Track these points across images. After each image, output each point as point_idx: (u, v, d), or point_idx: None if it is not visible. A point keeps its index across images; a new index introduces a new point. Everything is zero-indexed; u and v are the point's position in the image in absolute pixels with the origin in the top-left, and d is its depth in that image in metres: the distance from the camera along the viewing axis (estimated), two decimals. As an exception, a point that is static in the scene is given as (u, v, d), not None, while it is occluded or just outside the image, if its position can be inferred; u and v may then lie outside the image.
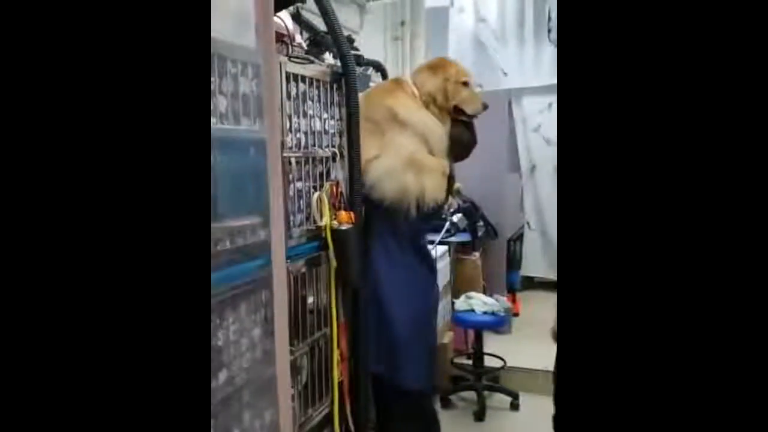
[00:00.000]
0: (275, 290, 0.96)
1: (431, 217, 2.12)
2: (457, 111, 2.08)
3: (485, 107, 2.12)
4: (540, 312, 2.65)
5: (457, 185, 2.38)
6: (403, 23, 3.59)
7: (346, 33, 1.82)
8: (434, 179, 1.96)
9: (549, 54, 4.60)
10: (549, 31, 4.57)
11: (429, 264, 2.12)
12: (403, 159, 1.90)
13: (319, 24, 1.85)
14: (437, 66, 2.09)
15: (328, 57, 2.07)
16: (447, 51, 4.17)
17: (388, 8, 3.50)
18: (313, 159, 1.65)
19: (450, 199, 2.18)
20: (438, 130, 2.01)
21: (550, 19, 4.57)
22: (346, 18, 3.04)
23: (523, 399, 3.06)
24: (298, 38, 1.92)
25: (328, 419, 1.76)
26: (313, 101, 1.64)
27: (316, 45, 2.06)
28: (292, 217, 1.53)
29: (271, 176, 0.97)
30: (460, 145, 2.11)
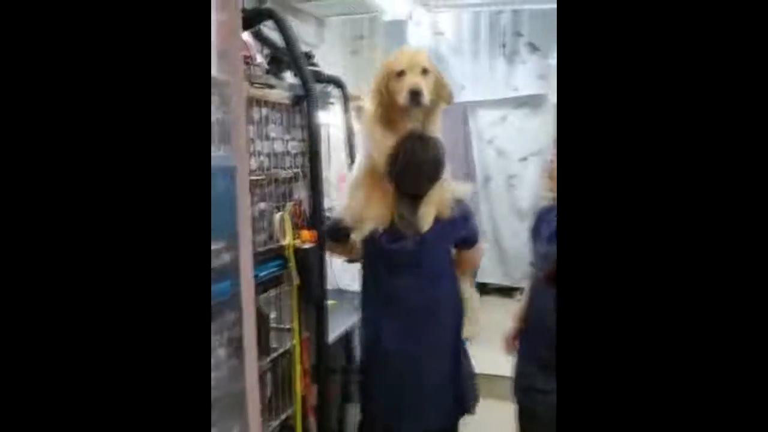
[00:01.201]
0: (244, 309, 1.01)
1: (393, 251, 1.83)
2: (397, 105, 1.79)
3: (412, 94, 1.72)
4: (493, 317, 2.71)
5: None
6: (362, 37, 3.66)
7: (305, 48, 1.86)
8: (362, 201, 1.84)
9: (503, 68, 4.76)
10: (503, 45, 4.73)
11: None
12: (348, 184, 1.95)
13: (278, 38, 1.85)
14: (383, 65, 1.88)
15: (288, 74, 2.12)
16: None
17: (346, 22, 3.56)
18: (276, 180, 1.70)
19: (420, 226, 1.82)
20: (373, 137, 1.83)
21: (504, 34, 4.73)
22: (305, 32, 3.09)
23: (478, 404, 3.14)
24: (259, 58, 1.96)
25: (290, 432, 1.81)
26: (275, 124, 1.69)
27: (276, 62, 2.09)
28: (256, 237, 1.58)
29: (241, 201, 1.02)
30: (412, 169, 1.77)
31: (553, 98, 3.94)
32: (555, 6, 3.16)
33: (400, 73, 1.77)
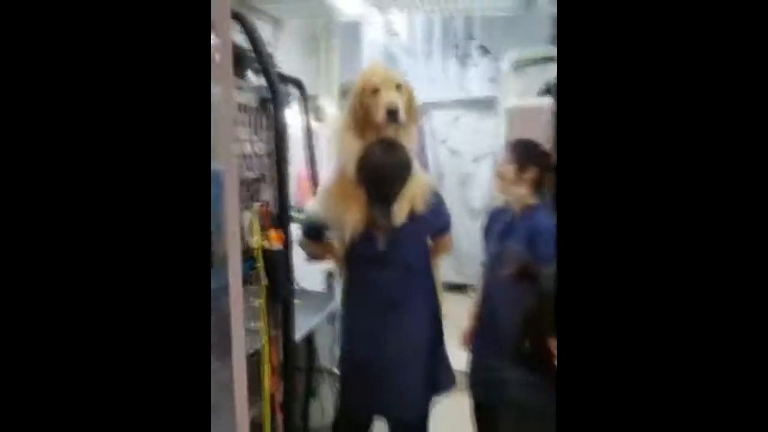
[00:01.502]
0: (233, 305, 1.05)
1: (370, 247, 1.91)
2: (372, 122, 1.86)
3: (389, 113, 1.78)
4: (449, 313, 2.80)
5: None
6: (318, 38, 3.68)
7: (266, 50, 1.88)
8: (339, 207, 1.90)
9: (455, 70, 4.88)
10: (456, 47, 4.85)
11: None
12: (321, 187, 2.03)
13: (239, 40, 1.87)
14: (357, 81, 1.92)
15: (249, 74, 2.13)
16: (360, 65, 4.31)
17: (303, 23, 3.58)
18: (243, 181, 1.71)
19: (394, 221, 1.88)
20: (343, 146, 1.88)
21: (456, 36, 4.85)
22: (262, 33, 3.09)
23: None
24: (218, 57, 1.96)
25: (259, 430, 1.83)
26: (244, 126, 1.71)
27: (238, 62, 2.10)
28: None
29: (229, 203, 1.05)
30: (376, 174, 1.83)
31: (504, 101, 4.07)
32: (506, 13, 3.28)
33: (375, 90, 1.82)
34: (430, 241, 2.02)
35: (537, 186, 2.11)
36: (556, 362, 1.17)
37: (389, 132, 1.85)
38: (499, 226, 2.17)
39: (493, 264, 2.14)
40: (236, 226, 1.05)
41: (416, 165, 1.91)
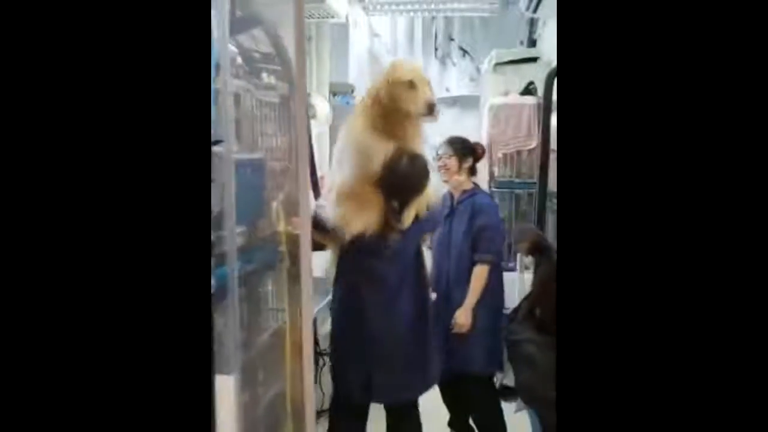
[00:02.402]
0: (302, 262, 1.20)
1: (376, 245, 2.05)
2: (409, 114, 1.98)
3: (430, 106, 1.93)
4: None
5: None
6: (309, 38, 3.83)
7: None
8: (351, 212, 2.01)
9: (435, 69, 5.10)
10: (436, 49, 5.06)
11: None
12: (332, 192, 2.10)
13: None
14: (382, 72, 2.05)
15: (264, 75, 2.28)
16: (347, 65, 4.48)
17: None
18: (271, 171, 1.87)
19: (401, 226, 2.07)
20: (368, 145, 1.98)
21: (436, 37, 5.06)
22: (260, 36, 3.23)
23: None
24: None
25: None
26: (270, 121, 1.87)
27: (251, 64, 2.25)
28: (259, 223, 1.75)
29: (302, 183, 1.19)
30: (401, 181, 2.00)
31: (484, 99, 4.29)
32: (486, 14, 3.58)
33: (411, 85, 1.94)
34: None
35: (471, 172, 2.67)
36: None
37: (407, 124, 1.99)
38: (445, 209, 2.60)
39: (440, 241, 2.62)
40: (307, 209, 1.21)
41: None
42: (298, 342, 2.05)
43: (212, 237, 1.16)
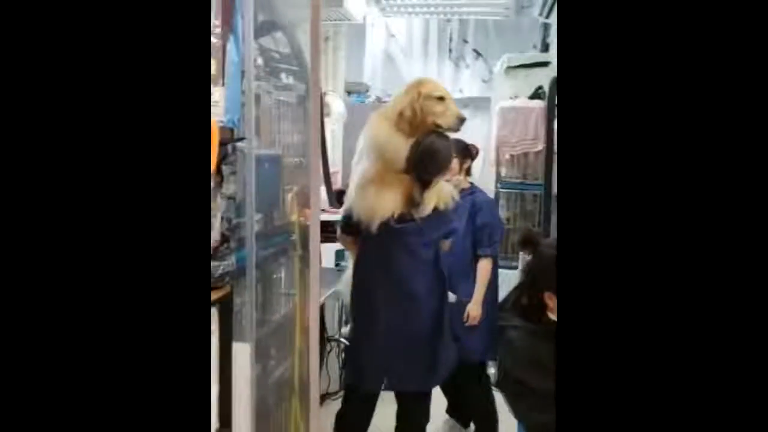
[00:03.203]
0: (311, 247, 1.32)
1: (398, 231, 2.19)
2: (438, 126, 2.18)
3: (461, 120, 2.17)
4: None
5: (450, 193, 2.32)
6: (326, 39, 3.98)
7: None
8: (374, 195, 2.16)
9: (449, 71, 5.23)
10: (450, 50, 5.18)
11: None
12: (355, 183, 2.26)
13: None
14: (410, 85, 2.24)
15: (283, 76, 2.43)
16: (363, 65, 4.63)
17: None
18: (287, 166, 2.03)
19: (422, 210, 2.20)
20: (392, 143, 2.14)
21: (451, 39, 5.18)
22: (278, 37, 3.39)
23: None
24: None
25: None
26: (286, 120, 2.02)
27: (269, 65, 2.41)
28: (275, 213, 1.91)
29: (313, 177, 1.32)
30: (429, 155, 2.13)
31: (495, 101, 4.41)
32: (498, 18, 3.75)
33: (440, 98, 2.16)
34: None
35: (468, 172, 2.87)
36: (548, 313, 1.51)
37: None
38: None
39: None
40: (317, 202, 1.36)
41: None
42: (306, 325, 2.21)
43: (234, 222, 1.31)
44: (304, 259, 2.13)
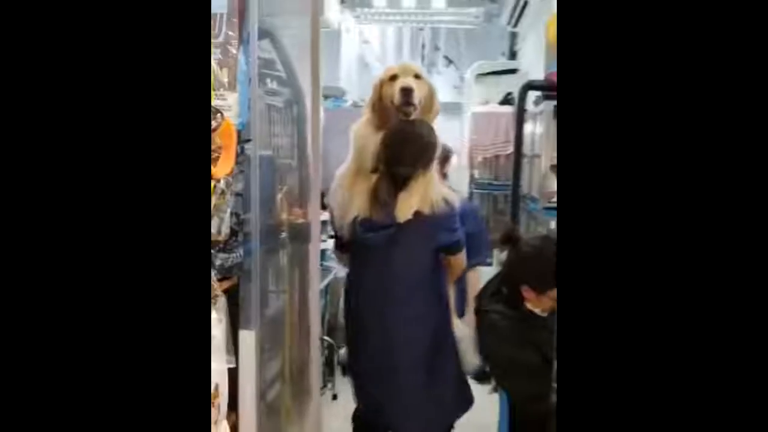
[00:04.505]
0: (311, 247, 1.39)
1: (366, 241, 1.80)
2: (402, 112, 1.81)
3: (403, 91, 1.76)
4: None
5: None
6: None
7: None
8: (341, 198, 1.85)
9: (422, 76, 5.39)
10: (422, 57, 5.35)
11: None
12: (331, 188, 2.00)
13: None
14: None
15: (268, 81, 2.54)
16: (339, 70, 4.74)
17: (292, 33, 3.98)
18: (278, 167, 2.13)
19: (396, 214, 1.77)
20: (364, 138, 1.85)
21: (423, 47, 5.35)
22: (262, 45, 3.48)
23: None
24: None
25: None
26: (275, 123, 2.13)
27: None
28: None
29: (314, 180, 1.38)
30: (396, 144, 1.78)
31: (467, 107, 4.58)
32: (468, 26, 3.92)
33: (393, 77, 1.82)
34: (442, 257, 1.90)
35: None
36: (526, 303, 1.65)
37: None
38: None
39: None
40: (317, 198, 1.45)
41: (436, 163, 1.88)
42: (295, 323, 2.30)
43: (242, 217, 1.41)
44: (295, 257, 2.24)
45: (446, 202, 1.81)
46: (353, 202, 1.81)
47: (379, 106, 1.86)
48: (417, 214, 1.76)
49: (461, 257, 1.94)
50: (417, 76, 1.86)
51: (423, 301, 1.84)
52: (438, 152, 1.84)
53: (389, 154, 1.78)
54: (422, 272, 1.85)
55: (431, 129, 1.84)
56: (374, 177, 1.83)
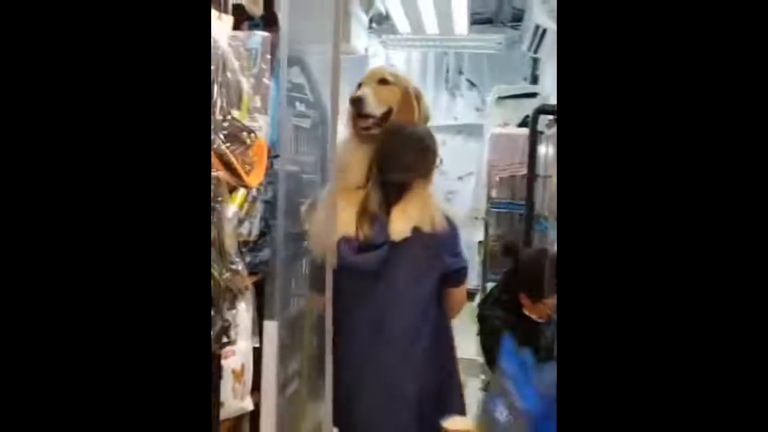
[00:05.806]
0: (328, 255, 1.55)
1: (350, 267, 1.51)
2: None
3: (351, 102, 1.65)
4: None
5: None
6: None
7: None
8: (318, 221, 1.62)
9: (445, 99, 5.61)
10: (446, 81, 5.57)
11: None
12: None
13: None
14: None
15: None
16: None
17: (320, 59, 4.25)
18: (306, 182, 2.35)
19: (390, 230, 1.51)
20: (344, 158, 1.66)
21: (447, 71, 5.57)
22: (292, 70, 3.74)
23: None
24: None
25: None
26: (303, 142, 2.35)
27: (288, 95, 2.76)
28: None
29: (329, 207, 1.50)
30: (389, 148, 1.54)
31: (487, 129, 4.76)
32: (491, 52, 4.17)
33: (358, 87, 1.67)
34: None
35: None
36: (524, 310, 1.82)
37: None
38: None
39: None
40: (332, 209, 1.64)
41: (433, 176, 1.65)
42: (315, 328, 2.48)
43: (269, 222, 1.63)
44: (314, 265, 2.44)
45: (449, 220, 1.57)
46: (337, 221, 1.48)
47: (351, 122, 1.73)
48: (415, 231, 1.52)
49: (464, 290, 1.67)
50: (383, 81, 1.66)
51: (425, 333, 1.53)
52: (438, 161, 1.63)
53: (382, 158, 1.54)
54: (425, 303, 1.54)
55: (431, 134, 1.63)
56: (362, 192, 1.58)
